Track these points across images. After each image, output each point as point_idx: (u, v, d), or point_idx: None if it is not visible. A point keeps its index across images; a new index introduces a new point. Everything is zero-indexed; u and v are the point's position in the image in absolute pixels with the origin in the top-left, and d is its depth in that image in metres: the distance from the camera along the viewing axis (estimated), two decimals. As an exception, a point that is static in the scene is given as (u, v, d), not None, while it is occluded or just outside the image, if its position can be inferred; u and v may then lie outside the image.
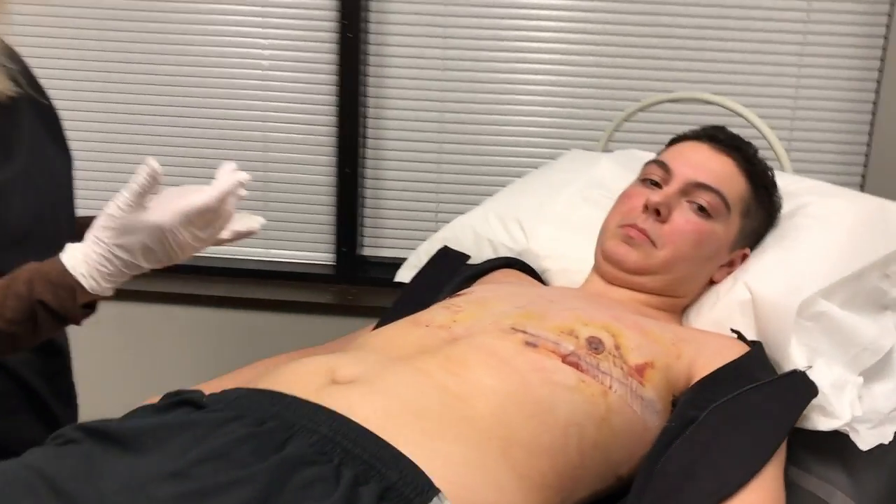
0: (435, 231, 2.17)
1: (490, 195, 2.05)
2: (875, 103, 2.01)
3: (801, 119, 2.02)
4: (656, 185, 1.15)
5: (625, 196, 1.19)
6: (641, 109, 1.73)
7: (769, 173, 1.20)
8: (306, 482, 0.71)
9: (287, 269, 2.14)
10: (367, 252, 2.17)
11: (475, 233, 1.43)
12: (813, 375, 0.99)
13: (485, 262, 1.34)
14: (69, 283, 0.87)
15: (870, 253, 1.14)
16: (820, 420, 1.00)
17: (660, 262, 1.11)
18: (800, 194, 1.27)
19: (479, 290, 1.14)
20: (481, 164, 2.10)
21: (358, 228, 2.13)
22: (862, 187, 2.05)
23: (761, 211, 1.19)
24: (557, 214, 1.41)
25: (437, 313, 1.05)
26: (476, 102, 2.07)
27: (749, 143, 1.21)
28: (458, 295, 1.14)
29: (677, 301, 1.17)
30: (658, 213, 1.11)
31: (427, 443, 0.79)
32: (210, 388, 1.10)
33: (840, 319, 1.07)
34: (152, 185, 0.86)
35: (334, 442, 0.76)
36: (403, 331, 1.02)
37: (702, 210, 1.11)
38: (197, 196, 0.88)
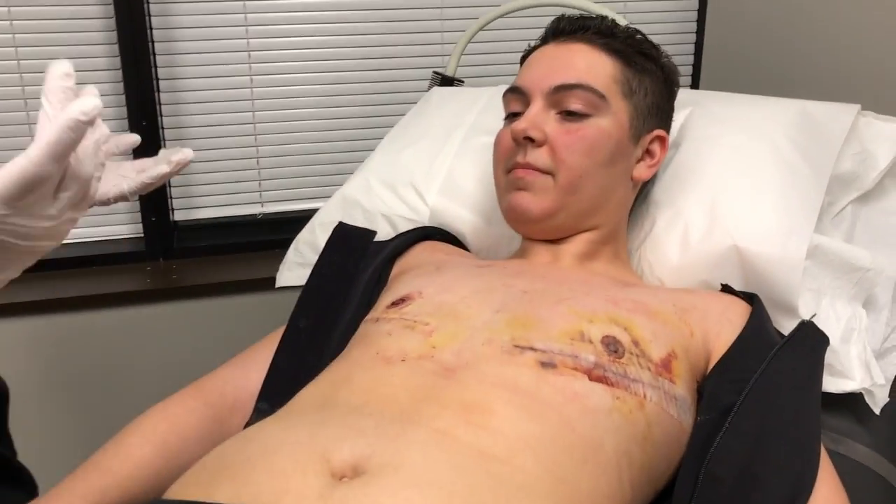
0: (258, 180, 1.93)
1: (319, 130, 1.83)
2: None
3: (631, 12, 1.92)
4: (520, 115, 0.99)
5: (496, 143, 1.02)
6: (482, 28, 1.52)
7: (637, 36, 1.03)
8: None
9: (85, 253, 1.74)
10: (179, 217, 1.83)
11: (363, 209, 1.19)
12: (821, 325, 0.90)
13: (398, 237, 1.11)
14: None
15: (824, 164, 1.05)
16: (828, 380, 0.93)
17: (563, 188, 0.95)
18: (707, 105, 1.17)
19: (427, 288, 0.90)
20: (305, 94, 1.81)
21: (167, 190, 1.77)
22: (695, 86, 2.01)
23: (649, 82, 1.01)
24: (453, 171, 1.20)
25: (403, 338, 0.81)
26: (293, 23, 1.75)
27: (597, 16, 1.04)
28: (403, 302, 0.89)
29: (611, 229, 1.02)
30: (531, 139, 0.95)
31: None
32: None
33: (834, 248, 0.98)
34: None
35: None
36: (376, 372, 0.77)
37: (574, 114, 0.95)
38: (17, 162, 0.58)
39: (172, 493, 0.67)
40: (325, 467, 0.63)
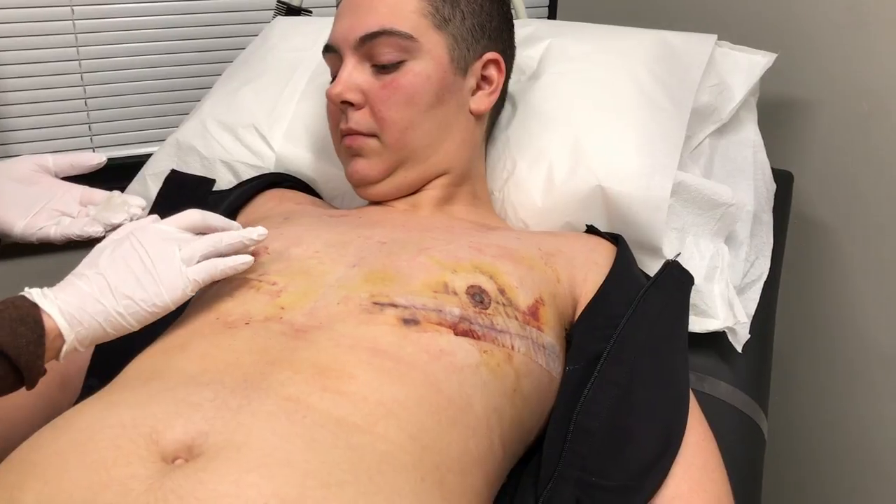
0: (88, 123, 1.74)
1: (155, 67, 1.66)
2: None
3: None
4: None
5: (327, 108, 0.97)
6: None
7: None
8: None
9: None
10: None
11: (200, 155, 1.08)
12: (685, 264, 0.90)
13: (241, 185, 1.03)
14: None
15: (685, 98, 1.03)
16: (692, 320, 0.92)
17: (391, 146, 0.91)
18: (565, 37, 1.11)
19: (274, 242, 0.82)
20: (136, 27, 1.64)
21: (-21, 137, 1.58)
22: (552, 16, 1.97)
23: (465, 3, 0.93)
24: (299, 113, 1.11)
25: (248, 300, 0.73)
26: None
27: None
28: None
29: (462, 170, 0.96)
30: (350, 103, 0.90)
31: None
32: None
33: (696, 184, 0.96)
34: None
35: None
36: (215, 339, 0.69)
37: (385, 66, 0.89)
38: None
39: (-26, 499, 0.58)
40: (154, 451, 0.55)
